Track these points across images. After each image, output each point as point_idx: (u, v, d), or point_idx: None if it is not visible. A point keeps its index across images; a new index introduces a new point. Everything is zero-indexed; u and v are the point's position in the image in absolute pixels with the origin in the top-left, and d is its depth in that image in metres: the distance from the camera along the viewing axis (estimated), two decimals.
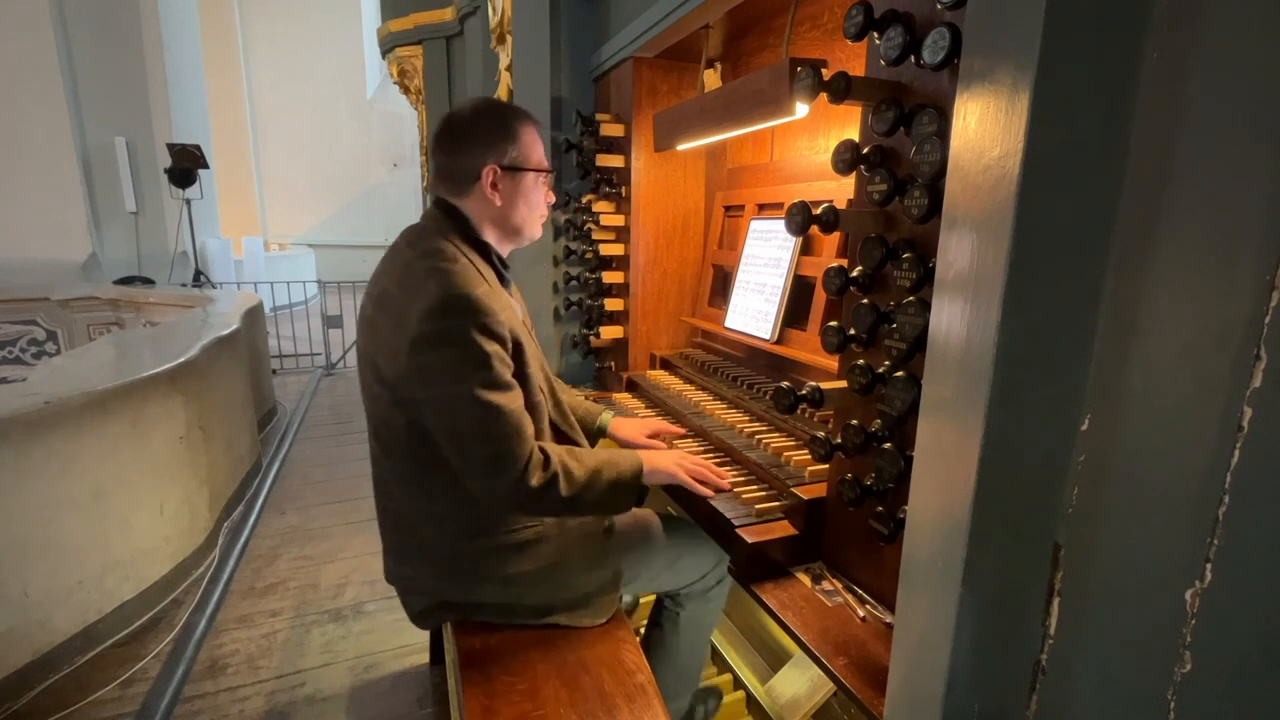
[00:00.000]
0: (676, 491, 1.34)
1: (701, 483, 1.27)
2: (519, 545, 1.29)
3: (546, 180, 1.34)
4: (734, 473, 1.33)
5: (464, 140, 1.25)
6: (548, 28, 2.14)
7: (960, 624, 0.65)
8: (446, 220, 1.27)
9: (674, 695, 1.54)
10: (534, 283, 2.34)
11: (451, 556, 1.29)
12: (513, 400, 1.16)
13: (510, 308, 1.22)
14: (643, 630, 1.63)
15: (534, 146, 1.29)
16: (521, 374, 1.22)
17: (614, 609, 1.38)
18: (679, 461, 1.30)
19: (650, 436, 1.52)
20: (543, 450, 1.19)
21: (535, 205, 1.32)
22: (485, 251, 1.28)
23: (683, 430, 1.55)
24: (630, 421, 1.56)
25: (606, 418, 1.56)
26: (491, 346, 1.14)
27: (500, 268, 1.32)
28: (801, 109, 1.24)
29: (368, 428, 1.35)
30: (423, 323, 1.12)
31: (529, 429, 1.19)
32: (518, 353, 1.21)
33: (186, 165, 6.97)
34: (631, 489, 1.27)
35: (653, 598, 1.67)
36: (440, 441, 1.18)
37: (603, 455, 1.27)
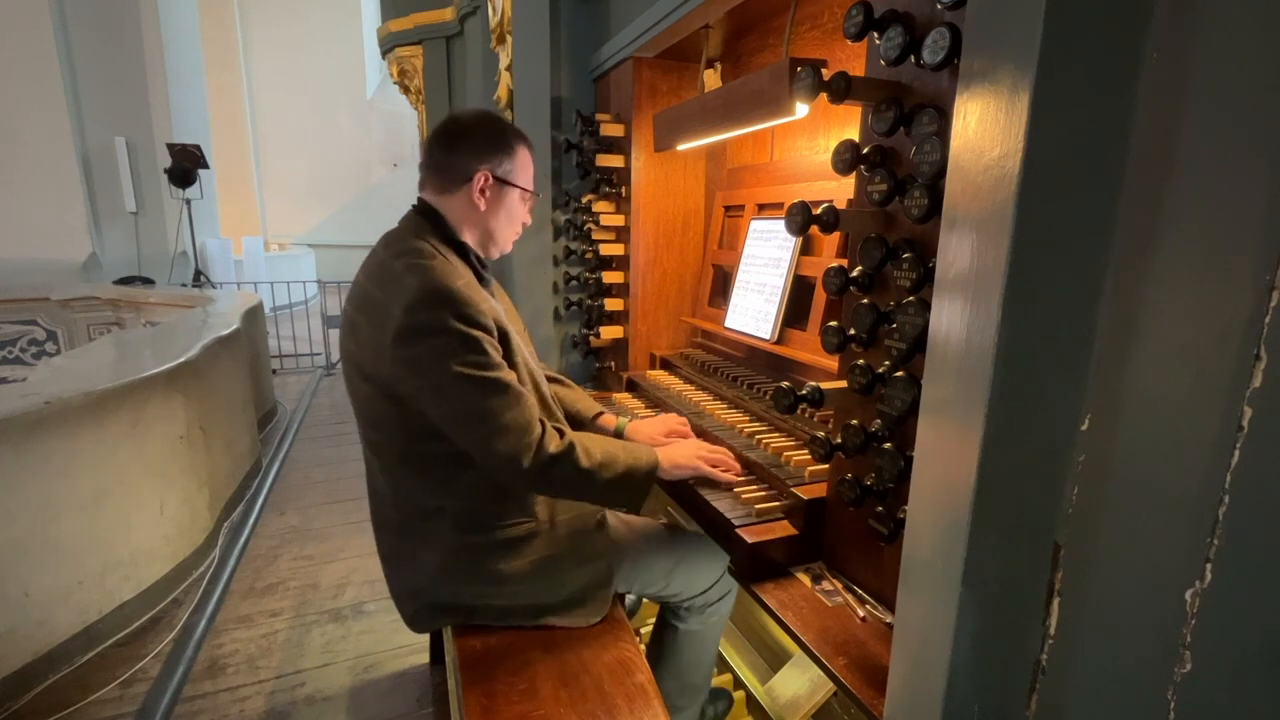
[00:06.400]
0: (678, 493, 1.33)
1: (722, 470, 1.28)
2: (511, 542, 1.29)
3: (529, 203, 1.39)
4: (736, 474, 1.32)
5: (463, 141, 1.29)
6: (548, 28, 2.14)
7: (960, 624, 0.65)
8: (424, 223, 1.30)
9: (675, 709, 1.53)
10: (534, 283, 2.34)
11: (444, 555, 1.29)
12: (507, 375, 1.18)
13: (489, 302, 1.23)
14: (643, 633, 1.63)
15: (526, 167, 1.35)
16: (510, 364, 1.23)
17: (608, 606, 1.38)
18: (698, 453, 1.30)
19: (666, 435, 1.50)
20: (556, 427, 1.22)
21: (514, 220, 1.37)
22: (463, 251, 1.31)
23: (688, 423, 1.53)
24: (647, 423, 1.53)
25: (623, 423, 1.54)
26: (475, 333, 1.16)
27: (479, 267, 1.33)
28: (801, 109, 1.24)
29: (358, 430, 1.35)
30: (405, 316, 1.14)
31: (534, 402, 1.21)
32: (504, 342, 1.23)
33: (186, 165, 6.97)
34: (645, 481, 1.27)
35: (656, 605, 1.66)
36: (447, 429, 1.19)
37: (618, 442, 1.30)
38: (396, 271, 1.19)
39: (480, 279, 1.31)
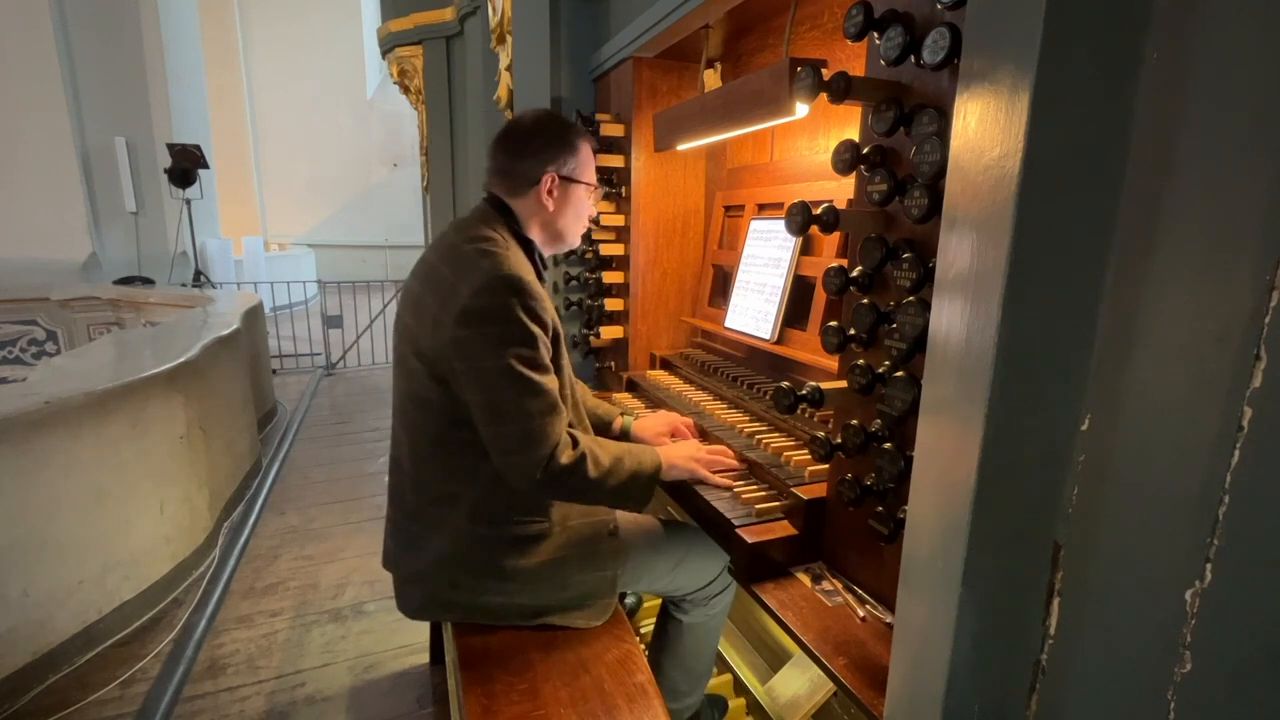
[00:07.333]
0: (678, 492, 1.33)
1: (720, 473, 1.29)
2: (523, 540, 1.30)
3: (594, 195, 1.42)
4: (734, 474, 1.32)
5: (529, 145, 1.33)
6: (548, 28, 2.14)
7: (960, 624, 0.65)
8: (496, 214, 1.33)
9: (681, 695, 1.55)
10: None
11: (457, 544, 1.29)
12: (550, 381, 1.20)
13: (550, 300, 1.27)
14: (644, 630, 1.63)
15: (588, 161, 1.38)
16: (556, 365, 1.26)
17: (609, 612, 1.38)
18: (694, 456, 1.31)
19: (669, 434, 1.52)
20: (570, 433, 1.24)
21: (581, 215, 1.41)
22: (529, 248, 1.34)
23: (693, 423, 1.53)
24: (652, 421, 1.55)
25: (628, 422, 1.56)
26: (534, 328, 1.18)
27: (539, 266, 1.36)
28: (801, 109, 1.24)
29: (393, 405, 1.37)
30: (472, 298, 1.16)
31: (564, 411, 1.22)
32: (555, 342, 1.26)
33: (186, 165, 6.97)
34: (649, 483, 1.28)
35: (658, 600, 1.67)
36: (475, 414, 1.20)
37: (624, 446, 1.31)
38: (469, 254, 1.22)
39: (539, 278, 1.34)
